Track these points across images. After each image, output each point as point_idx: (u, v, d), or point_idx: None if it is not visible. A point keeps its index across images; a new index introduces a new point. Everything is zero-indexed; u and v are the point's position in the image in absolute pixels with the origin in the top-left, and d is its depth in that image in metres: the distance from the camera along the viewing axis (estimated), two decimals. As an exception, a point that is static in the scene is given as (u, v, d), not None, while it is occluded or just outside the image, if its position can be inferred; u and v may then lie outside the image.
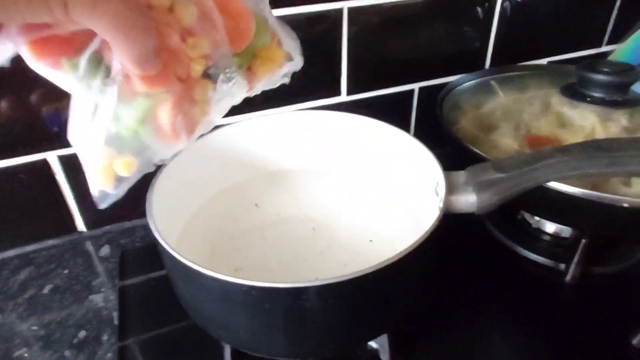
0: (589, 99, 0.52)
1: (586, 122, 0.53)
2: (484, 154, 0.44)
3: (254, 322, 0.31)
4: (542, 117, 0.57)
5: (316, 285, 0.28)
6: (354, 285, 0.29)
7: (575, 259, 0.49)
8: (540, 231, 0.56)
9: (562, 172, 0.34)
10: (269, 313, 0.30)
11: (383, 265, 0.29)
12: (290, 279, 0.28)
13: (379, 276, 0.29)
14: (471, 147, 0.46)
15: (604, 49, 0.80)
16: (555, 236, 0.55)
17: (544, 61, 0.77)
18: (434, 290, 0.47)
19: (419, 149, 0.44)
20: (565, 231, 0.54)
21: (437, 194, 0.39)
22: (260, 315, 0.30)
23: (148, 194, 0.38)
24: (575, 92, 0.54)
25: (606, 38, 0.79)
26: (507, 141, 0.53)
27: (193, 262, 0.29)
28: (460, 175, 0.38)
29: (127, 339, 0.46)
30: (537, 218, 0.56)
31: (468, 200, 0.36)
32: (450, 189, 0.37)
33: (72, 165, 0.55)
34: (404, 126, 0.74)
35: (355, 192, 0.52)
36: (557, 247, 0.54)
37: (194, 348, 0.44)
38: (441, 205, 0.35)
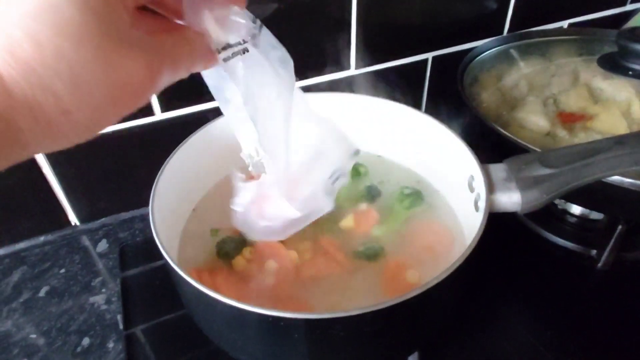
0: (631, 72, 0.47)
1: (621, 96, 0.49)
2: (526, 143, 0.39)
3: (280, 350, 0.28)
4: (572, 90, 0.52)
5: (353, 314, 0.25)
6: (397, 309, 0.26)
7: (610, 245, 0.45)
8: (566, 212, 0.53)
9: (622, 166, 0.30)
10: (297, 342, 0.27)
11: (428, 287, 0.26)
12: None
13: (423, 298, 0.26)
14: (509, 135, 0.41)
15: (628, 7, 0.74)
16: (582, 218, 0.52)
17: (564, 24, 0.71)
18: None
19: (449, 138, 0.39)
20: (594, 213, 0.51)
21: (473, 190, 0.35)
22: (288, 345, 0.27)
23: (151, 200, 0.33)
24: (616, 64, 0.48)
25: (631, -5, 0.73)
26: (536, 119, 0.49)
27: (220, 295, 0.25)
28: (500, 170, 0.34)
29: (132, 327, 0.45)
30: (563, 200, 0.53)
31: (511, 200, 0.32)
32: (491, 186, 0.33)
33: (58, 156, 0.50)
34: (416, 100, 0.69)
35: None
36: (586, 231, 0.51)
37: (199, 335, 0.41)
38: (484, 205, 0.31)
